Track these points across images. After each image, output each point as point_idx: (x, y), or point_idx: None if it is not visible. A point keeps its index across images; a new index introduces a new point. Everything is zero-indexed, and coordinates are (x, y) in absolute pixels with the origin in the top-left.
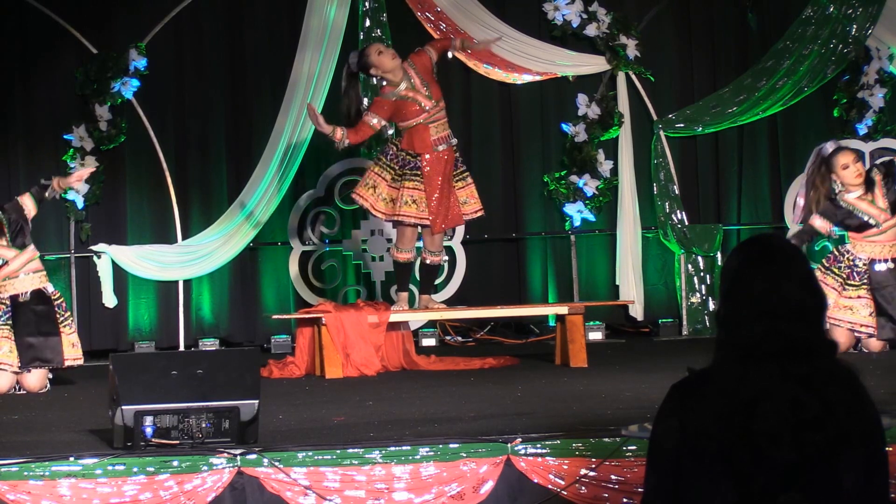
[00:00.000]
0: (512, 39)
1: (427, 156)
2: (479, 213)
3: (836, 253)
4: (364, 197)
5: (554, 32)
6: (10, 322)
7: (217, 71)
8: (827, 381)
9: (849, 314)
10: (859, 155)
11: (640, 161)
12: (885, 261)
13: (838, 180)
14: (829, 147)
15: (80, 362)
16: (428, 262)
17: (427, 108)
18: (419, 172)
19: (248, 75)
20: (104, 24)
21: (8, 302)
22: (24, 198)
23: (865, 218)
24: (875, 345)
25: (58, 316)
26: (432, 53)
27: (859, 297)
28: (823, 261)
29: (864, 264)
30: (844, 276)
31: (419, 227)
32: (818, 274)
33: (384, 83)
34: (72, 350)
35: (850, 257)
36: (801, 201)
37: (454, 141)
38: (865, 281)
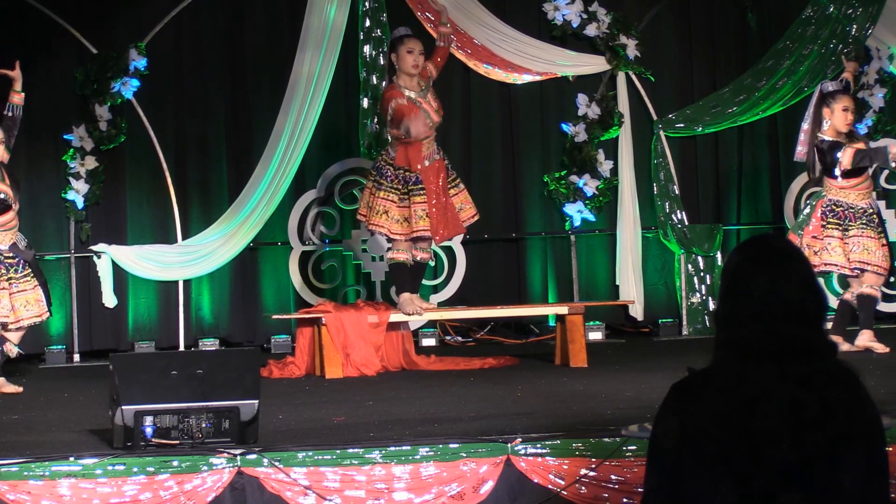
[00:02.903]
0: (512, 39)
1: (419, 166)
2: (475, 218)
3: (825, 208)
4: (379, 224)
5: (554, 32)
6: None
7: (217, 71)
8: (827, 382)
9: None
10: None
11: (640, 161)
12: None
13: (829, 118)
14: (832, 86)
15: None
16: (419, 258)
17: (435, 123)
18: (422, 185)
19: (248, 75)
20: (104, 24)
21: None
22: None
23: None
24: None
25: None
26: (433, 71)
27: (870, 237)
28: (818, 219)
29: (848, 206)
30: (846, 218)
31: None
32: (816, 235)
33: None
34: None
35: (835, 201)
36: (802, 136)
37: (438, 156)
38: (859, 220)
